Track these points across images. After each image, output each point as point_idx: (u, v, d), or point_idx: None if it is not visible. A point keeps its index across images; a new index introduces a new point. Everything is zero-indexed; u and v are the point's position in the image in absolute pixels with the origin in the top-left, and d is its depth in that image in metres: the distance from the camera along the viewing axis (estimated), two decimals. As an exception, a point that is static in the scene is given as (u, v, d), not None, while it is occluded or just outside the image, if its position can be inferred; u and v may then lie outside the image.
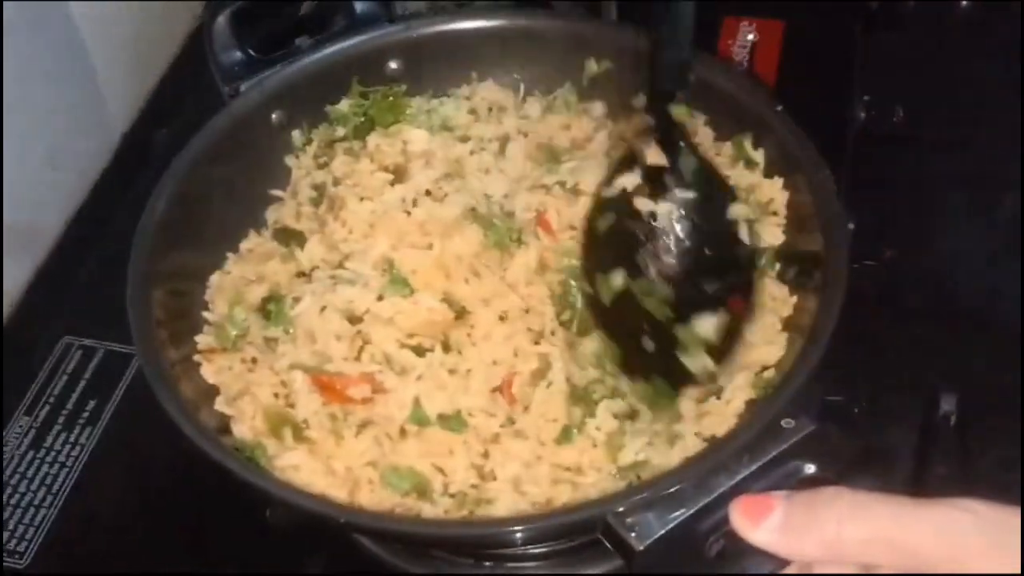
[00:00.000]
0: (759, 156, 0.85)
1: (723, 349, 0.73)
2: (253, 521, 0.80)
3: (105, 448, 0.88)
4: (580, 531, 0.70)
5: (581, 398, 0.76)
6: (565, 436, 0.74)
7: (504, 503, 0.71)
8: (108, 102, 1.09)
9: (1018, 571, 0.48)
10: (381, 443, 0.73)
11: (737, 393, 0.76)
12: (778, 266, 0.81)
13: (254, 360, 0.79)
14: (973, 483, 0.81)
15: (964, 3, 1.14)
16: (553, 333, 0.78)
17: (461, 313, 0.78)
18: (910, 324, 0.91)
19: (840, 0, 1.13)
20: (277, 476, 0.72)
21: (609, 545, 0.64)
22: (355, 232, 0.83)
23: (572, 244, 0.80)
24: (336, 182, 0.86)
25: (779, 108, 0.84)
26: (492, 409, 0.75)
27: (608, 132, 0.88)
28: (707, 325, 0.73)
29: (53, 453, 0.88)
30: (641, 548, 0.61)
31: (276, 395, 0.76)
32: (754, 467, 0.63)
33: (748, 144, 0.85)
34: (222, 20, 0.90)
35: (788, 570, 0.55)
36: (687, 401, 0.76)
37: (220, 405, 0.77)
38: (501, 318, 0.78)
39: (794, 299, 0.79)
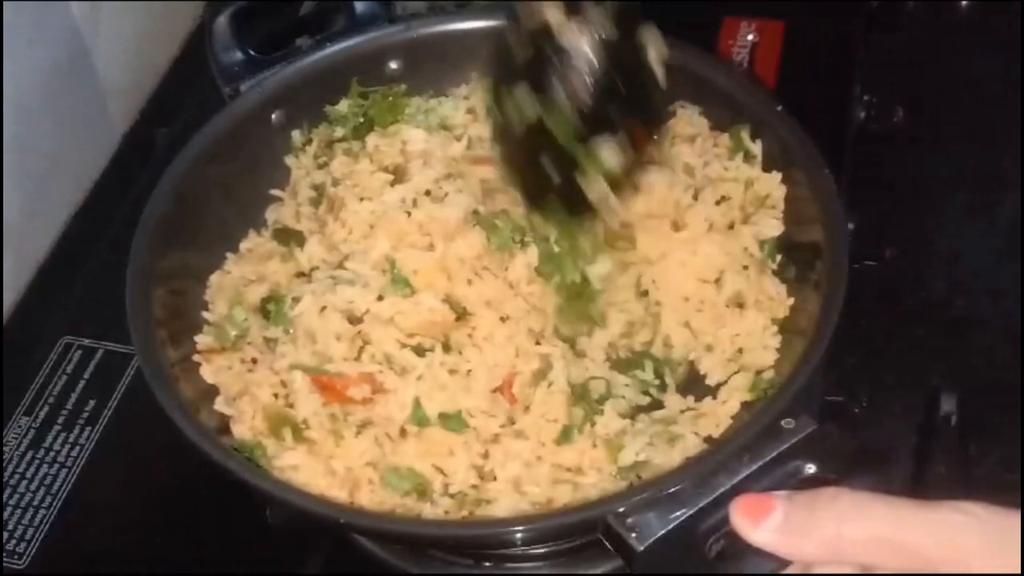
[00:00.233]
0: (757, 148, 0.85)
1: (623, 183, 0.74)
2: (253, 521, 0.80)
3: (105, 448, 0.88)
4: (580, 531, 0.70)
5: (582, 398, 0.76)
6: (565, 436, 0.74)
7: (504, 503, 0.71)
8: (108, 102, 1.09)
9: (1018, 572, 0.48)
10: (381, 443, 0.73)
11: (733, 394, 0.76)
12: (779, 258, 0.82)
13: (254, 360, 0.79)
14: (973, 483, 0.81)
15: (964, 3, 1.14)
16: (554, 334, 0.78)
17: (462, 314, 0.78)
18: (910, 324, 0.91)
19: (840, 0, 1.13)
20: (277, 476, 0.72)
21: (609, 545, 0.64)
22: (355, 232, 0.83)
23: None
24: (336, 182, 0.86)
25: (779, 108, 0.84)
26: (492, 409, 0.74)
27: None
28: (606, 148, 0.73)
29: (53, 453, 0.88)
30: (641, 548, 0.61)
31: (276, 395, 0.76)
32: (754, 467, 0.63)
33: (746, 135, 0.85)
34: (222, 20, 0.90)
35: (788, 570, 0.55)
36: (675, 397, 0.76)
37: (220, 405, 0.77)
38: (502, 319, 0.78)
39: (791, 301, 0.79)
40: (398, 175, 0.86)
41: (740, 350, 0.79)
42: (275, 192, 0.89)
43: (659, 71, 0.75)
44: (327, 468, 0.73)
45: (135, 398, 0.90)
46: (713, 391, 0.78)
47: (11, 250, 0.97)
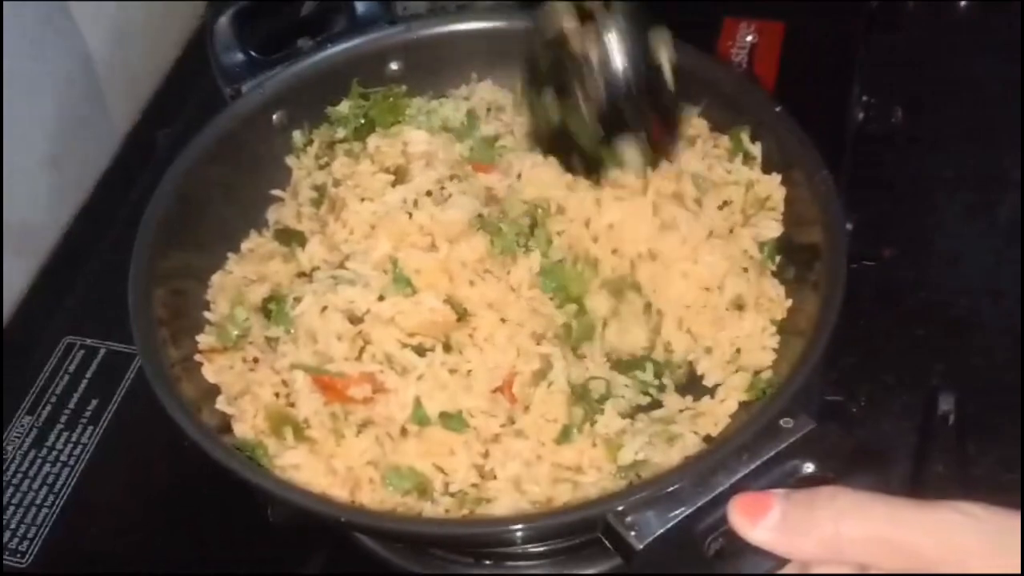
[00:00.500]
0: (757, 150, 0.85)
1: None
2: (254, 520, 0.80)
3: (107, 447, 0.88)
4: (580, 530, 0.70)
5: (582, 398, 0.76)
6: (565, 436, 0.74)
7: (504, 502, 0.71)
8: (110, 102, 1.10)
9: (1017, 572, 0.48)
10: (382, 443, 0.74)
11: (732, 393, 0.76)
12: (779, 259, 0.82)
13: (255, 360, 0.79)
14: (971, 483, 0.81)
15: (964, 3, 1.14)
16: (555, 335, 0.78)
17: (463, 315, 0.78)
18: (909, 324, 0.91)
19: (840, 0, 1.13)
20: (278, 475, 0.73)
21: (609, 544, 0.64)
22: (356, 233, 0.83)
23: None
24: (337, 183, 0.86)
25: (778, 108, 0.84)
26: (493, 409, 0.75)
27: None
28: (628, 148, 0.77)
29: (55, 452, 0.88)
30: (641, 547, 0.62)
31: (277, 395, 0.76)
32: (753, 466, 0.63)
33: (746, 137, 0.85)
34: (224, 21, 0.91)
35: (786, 569, 0.55)
36: (674, 397, 0.77)
37: (221, 404, 0.77)
38: (503, 320, 0.78)
39: (789, 302, 0.80)
40: (399, 176, 0.86)
41: (738, 351, 0.79)
42: (276, 192, 0.90)
43: (669, 72, 0.76)
44: (328, 467, 0.73)
45: (137, 398, 0.90)
46: (712, 391, 0.78)
47: (12, 250, 0.97)
